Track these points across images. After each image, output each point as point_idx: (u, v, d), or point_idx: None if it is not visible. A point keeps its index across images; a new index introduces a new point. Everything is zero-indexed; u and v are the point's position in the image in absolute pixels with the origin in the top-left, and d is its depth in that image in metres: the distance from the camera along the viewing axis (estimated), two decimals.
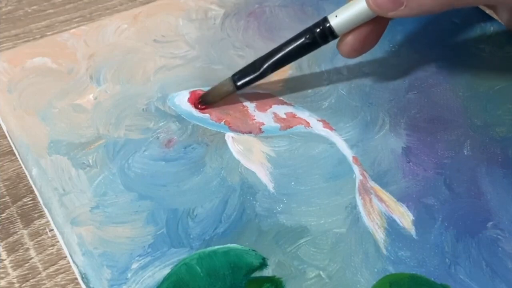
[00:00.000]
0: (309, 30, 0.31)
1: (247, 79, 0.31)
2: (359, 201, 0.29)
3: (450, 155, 0.31)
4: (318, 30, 0.30)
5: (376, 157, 0.30)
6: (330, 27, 0.30)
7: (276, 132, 0.31)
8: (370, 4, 0.28)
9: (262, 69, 0.31)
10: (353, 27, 0.29)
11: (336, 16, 0.29)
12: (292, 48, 0.31)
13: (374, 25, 0.29)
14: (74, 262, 0.26)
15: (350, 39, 0.30)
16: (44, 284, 0.27)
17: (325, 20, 0.30)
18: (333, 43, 0.31)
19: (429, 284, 0.26)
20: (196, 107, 0.32)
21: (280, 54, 0.31)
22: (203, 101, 0.32)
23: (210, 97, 0.32)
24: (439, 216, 0.28)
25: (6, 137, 0.32)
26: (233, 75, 0.32)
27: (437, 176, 0.30)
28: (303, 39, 0.30)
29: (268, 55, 0.31)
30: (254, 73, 0.31)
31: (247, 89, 0.33)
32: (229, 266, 0.26)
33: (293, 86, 0.33)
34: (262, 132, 0.31)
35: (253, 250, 0.26)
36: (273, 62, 0.31)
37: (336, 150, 0.31)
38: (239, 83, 0.31)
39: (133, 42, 0.36)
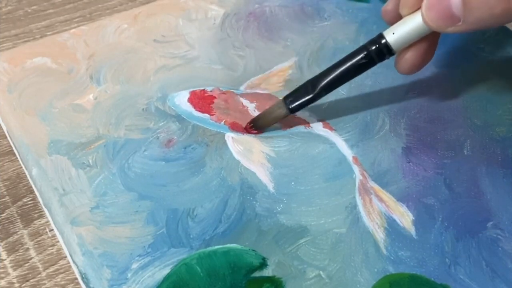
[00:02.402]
0: (364, 48, 0.29)
1: (300, 101, 0.30)
2: (359, 201, 0.29)
3: (450, 155, 0.31)
4: (374, 47, 0.29)
5: (376, 157, 0.30)
6: (387, 44, 0.28)
7: (276, 132, 0.31)
8: (426, 22, 0.27)
9: (316, 91, 0.30)
10: (410, 43, 0.29)
11: (393, 33, 0.28)
12: (347, 68, 0.29)
13: (431, 38, 0.29)
14: (74, 262, 0.26)
15: (409, 55, 0.29)
16: (44, 284, 0.27)
17: (381, 36, 0.29)
18: None
19: (429, 284, 0.26)
20: (247, 131, 0.31)
21: (334, 74, 0.29)
22: (254, 126, 0.31)
23: (262, 122, 0.31)
24: (439, 216, 0.28)
25: (6, 137, 0.32)
26: (285, 98, 0.30)
27: (437, 176, 0.30)
28: (358, 57, 0.29)
29: (322, 75, 0.30)
30: (307, 95, 0.30)
31: (247, 89, 0.33)
32: (229, 266, 0.26)
33: (293, 86, 0.33)
34: (262, 132, 0.31)
35: (253, 250, 0.26)
36: (327, 83, 0.29)
37: (336, 150, 0.31)
38: (292, 106, 0.30)
39: (133, 42, 0.36)
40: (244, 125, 0.31)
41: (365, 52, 0.29)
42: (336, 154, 0.31)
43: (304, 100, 0.30)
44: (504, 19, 0.25)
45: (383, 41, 0.28)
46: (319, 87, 0.30)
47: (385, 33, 0.29)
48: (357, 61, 0.29)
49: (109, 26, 0.36)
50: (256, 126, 0.31)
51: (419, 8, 0.27)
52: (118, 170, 0.29)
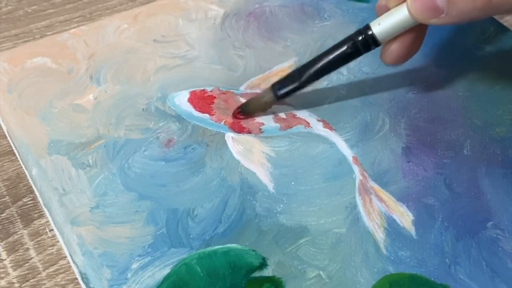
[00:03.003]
0: (350, 39, 0.30)
1: (287, 89, 0.31)
2: (359, 201, 0.29)
3: (450, 155, 0.31)
4: (360, 38, 0.29)
5: (376, 157, 0.30)
6: (373, 35, 0.29)
7: (276, 132, 0.31)
8: (411, 13, 0.27)
9: (302, 79, 0.30)
10: (396, 35, 0.29)
11: (379, 24, 0.29)
12: (333, 57, 0.30)
13: (417, 30, 0.29)
14: (74, 262, 0.26)
15: (395, 47, 0.29)
16: (44, 284, 0.27)
17: (367, 28, 0.29)
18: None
19: (429, 284, 0.26)
20: (235, 116, 0.32)
21: (320, 64, 0.30)
22: (242, 111, 0.32)
23: (250, 108, 0.32)
24: (439, 216, 0.28)
25: (6, 137, 0.32)
26: (273, 85, 0.31)
27: (437, 176, 0.30)
28: (344, 47, 0.30)
29: (309, 64, 0.30)
30: (294, 83, 0.31)
31: (247, 89, 0.33)
32: (229, 266, 0.26)
33: None
34: (262, 132, 0.31)
35: (253, 250, 0.26)
36: (314, 72, 0.30)
37: (336, 150, 0.31)
38: (279, 93, 0.31)
39: (133, 42, 0.36)
40: (244, 126, 0.31)
41: (352, 42, 0.30)
42: (336, 154, 0.31)
43: (291, 87, 0.31)
44: (487, 12, 0.26)
45: (369, 32, 0.29)
46: (305, 75, 0.30)
47: (371, 24, 0.29)
48: (343, 51, 0.30)
49: (109, 26, 0.36)
50: (244, 112, 0.32)
51: (405, 0, 0.28)
52: (118, 170, 0.29)
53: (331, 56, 0.30)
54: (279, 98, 0.31)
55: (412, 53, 0.30)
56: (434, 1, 0.26)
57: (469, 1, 0.25)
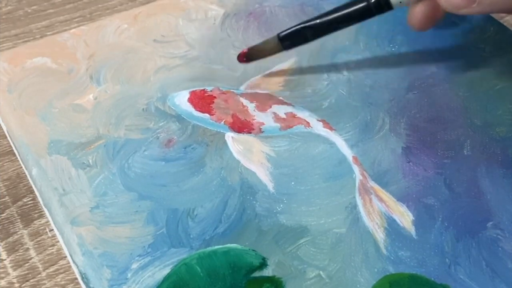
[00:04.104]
0: None
1: (293, 40, 0.31)
2: (359, 201, 0.29)
3: (450, 155, 0.31)
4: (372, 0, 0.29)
5: (376, 157, 0.30)
6: None
7: (276, 132, 0.31)
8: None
9: (310, 33, 0.30)
10: None
11: None
12: (343, 14, 0.30)
13: None
14: (74, 262, 0.26)
15: (419, 8, 0.29)
16: (44, 284, 0.27)
17: None
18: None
19: (429, 284, 0.26)
20: (239, 59, 0.33)
21: (328, 18, 0.30)
22: (247, 57, 0.32)
23: (255, 54, 0.32)
24: (439, 216, 0.28)
25: (6, 137, 0.32)
26: (279, 34, 0.31)
27: (437, 176, 0.30)
28: (356, 6, 0.29)
29: (318, 17, 0.30)
30: (301, 36, 0.31)
31: (247, 89, 0.32)
32: (229, 266, 0.26)
33: (293, 86, 0.33)
34: (262, 132, 0.31)
35: (253, 250, 0.26)
36: (321, 25, 0.30)
37: (336, 150, 0.31)
38: (284, 43, 0.31)
39: (133, 42, 0.36)
40: (244, 125, 0.31)
41: (365, 2, 0.29)
42: (336, 154, 0.31)
43: (298, 39, 0.31)
44: None
45: None
46: (313, 29, 0.30)
47: None
48: (354, 9, 0.30)
49: (109, 26, 0.36)
50: (249, 57, 0.32)
51: None
52: (118, 170, 0.29)
53: (340, 13, 0.30)
54: (285, 48, 0.31)
55: (439, 15, 0.30)
56: None
57: None
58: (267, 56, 0.32)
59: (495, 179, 0.30)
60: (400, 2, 0.29)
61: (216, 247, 0.26)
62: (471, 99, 0.34)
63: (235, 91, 0.33)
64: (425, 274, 0.26)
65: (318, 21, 0.30)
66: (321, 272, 0.26)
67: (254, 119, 0.32)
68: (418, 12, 0.29)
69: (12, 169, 0.32)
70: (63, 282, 0.27)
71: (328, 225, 0.28)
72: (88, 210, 0.28)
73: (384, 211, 0.28)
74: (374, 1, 0.29)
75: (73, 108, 0.32)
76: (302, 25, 0.30)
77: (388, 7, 0.29)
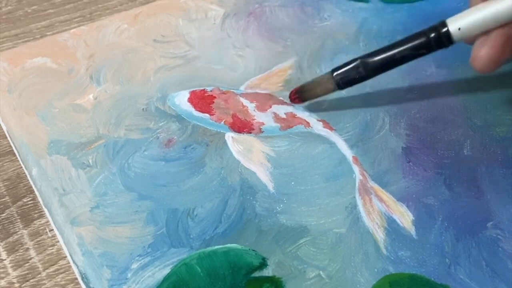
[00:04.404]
0: (423, 34, 0.28)
1: (350, 79, 0.29)
2: (359, 201, 0.29)
3: (450, 155, 0.31)
4: (433, 34, 0.28)
5: (376, 157, 0.30)
6: (448, 32, 0.27)
7: (276, 132, 0.31)
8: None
9: (367, 70, 0.29)
10: (475, 33, 0.27)
11: (456, 20, 0.27)
12: (402, 50, 0.28)
13: (508, 31, 0.27)
14: (74, 262, 0.26)
15: (485, 50, 0.27)
16: (44, 284, 0.27)
17: (443, 24, 0.28)
18: None
19: (429, 284, 0.26)
20: (292, 100, 0.32)
21: (387, 54, 0.28)
22: (300, 97, 0.31)
23: (308, 94, 0.31)
24: (439, 216, 0.28)
25: (6, 137, 0.32)
26: (333, 70, 0.30)
27: (437, 176, 0.30)
28: (416, 42, 0.28)
29: (374, 54, 0.29)
30: (358, 74, 0.29)
31: (247, 89, 0.32)
32: (229, 266, 0.26)
33: (293, 86, 0.33)
34: (262, 132, 0.31)
35: (253, 250, 0.26)
36: (380, 63, 0.28)
37: (336, 150, 0.31)
38: (341, 83, 0.30)
39: (133, 42, 0.36)
40: (244, 125, 0.31)
41: (424, 38, 0.28)
42: (336, 154, 0.31)
43: (355, 78, 0.30)
44: None
45: (445, 29, 0.27)
46: (370, 67, 0.29)
47: (448, 20, 0.28)
48: (413, 45, 0.28)
49: (109, 26, 0.36)
50: (302, 98, 0.31)
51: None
52: (118, 170, 0.29)
53: (399, 49, 0.28)
54: (340, 88, 0.30)
55: (505, 56, 0.28)
56: None
57: None
58: (320, 96, 0.31)
59: (495, 179, 0.30)
60: (459, 29, 0.27)
61: (216, 247, 0.26)
62: (471, 99, 0.34)
63: (235, 91, 0.33)
64: (425, 274, 0.26)
65: (377, 62, 0.29)
66: (321, 272, 0.26)
67: (254, 119, 0.32)
68: (483, 54, 0.27)
69: (12, 169, 0.32)
70: (63, 282, 0.27)
71: (328, 225, 0.28)
72: (88, 210, 0.28)
73: (384, 211, 0.28)
74: (434, 36, 0.28)
75: (73, 108, 0.32)
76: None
77: (449, 41, 0.28)
